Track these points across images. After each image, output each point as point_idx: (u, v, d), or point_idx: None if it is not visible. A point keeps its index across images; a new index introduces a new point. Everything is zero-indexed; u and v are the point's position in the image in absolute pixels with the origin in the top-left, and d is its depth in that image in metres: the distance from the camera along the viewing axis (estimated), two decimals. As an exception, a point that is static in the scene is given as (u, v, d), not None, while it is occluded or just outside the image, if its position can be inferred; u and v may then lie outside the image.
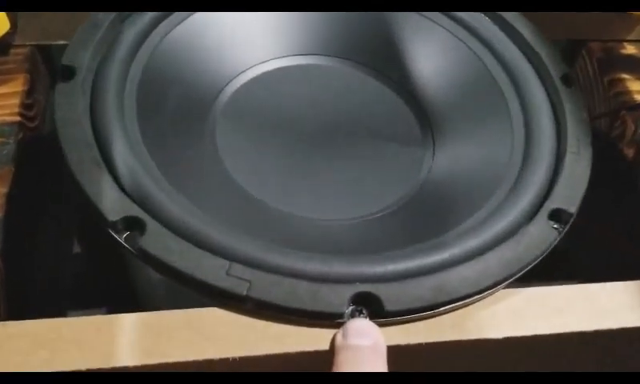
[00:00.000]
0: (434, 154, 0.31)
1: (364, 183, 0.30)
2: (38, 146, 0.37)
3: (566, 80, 0.31)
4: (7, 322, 0.22)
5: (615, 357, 0.25)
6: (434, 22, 0.34)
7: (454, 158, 0.31)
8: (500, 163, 0.29)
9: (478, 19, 0.33)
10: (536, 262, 0.24)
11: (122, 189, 0.24)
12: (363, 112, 0.33)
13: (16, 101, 0.36)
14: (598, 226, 0.37)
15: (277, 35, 0.34)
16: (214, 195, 0.27)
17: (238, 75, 0.33)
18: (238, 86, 0.33)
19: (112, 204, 0.24)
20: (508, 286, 0.24)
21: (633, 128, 0.40)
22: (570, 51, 0.46)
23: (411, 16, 0.34)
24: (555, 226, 0.25)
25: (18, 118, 0.35)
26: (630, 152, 0.40)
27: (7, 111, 0.35)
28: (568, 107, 0.29)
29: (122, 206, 0.23)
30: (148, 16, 0.31)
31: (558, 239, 0.25)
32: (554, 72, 0.31)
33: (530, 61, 0.32)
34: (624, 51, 0.44)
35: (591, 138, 0.29)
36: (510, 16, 0.33)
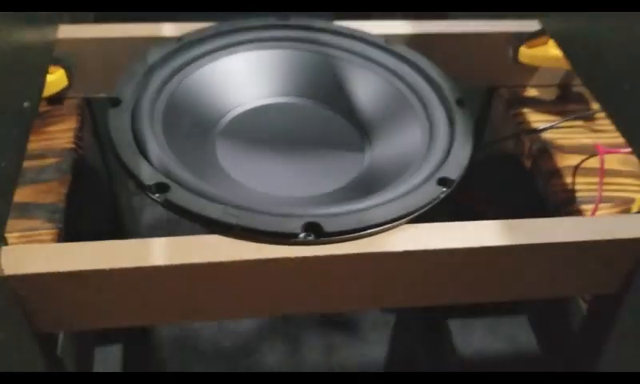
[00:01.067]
0: (370, 154, 0.45)
1: (321, 174, 0.43)
2: (85, 164, 0.50)
3: (460, 103, 0.44)
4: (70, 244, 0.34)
5: (479, 270, 0.37)
6: (367, 68, 0.48)
7: (382, 155, 0.44)
8: (412, 155, 0.42)
9: (398, 64, 0.47)
10: (426, 208, 0.37)
11: (153, 167, 0.37)
12: (321, 131, 0.47)
13: (71, 134, 0.50)
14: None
15: (259, 83, 0.49)
16: (210, 177, 0.40)
17: (231, 110, 0.47)
18: (231, 116, 0.47)
19: (147, 175, 0.36)
20: (409, 223, 0.36)
21: (529, 146, 0.53)
22: (488, 95, 0.60)
23: (353, 67, 0.48)
24: (442, 188, 0.38)
25: (73, 146, 0.49)
26: (528, 163, 0.53)
27: (65, 141, 0.49)
28: (459, 119, 0.43)
29: (153, 176, 0.36)
30: (170, 67, 0.45)
31: (443, 195, 0.38)
32: (451, 98, 0.44)
33: (434, 90, 0.45)
34: (525, 93, 0.58)
35: (472, 137, 0.42)
36: (422, 61, 0.47)
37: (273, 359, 1.26)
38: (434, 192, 0.38)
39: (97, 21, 0.53)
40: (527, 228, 0.36)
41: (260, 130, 0.46)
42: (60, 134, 0.49)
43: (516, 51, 0.54)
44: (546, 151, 0.51)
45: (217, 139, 0.45)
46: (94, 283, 0.33)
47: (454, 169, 0.39)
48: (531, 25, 0.52)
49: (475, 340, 0.80)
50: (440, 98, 0.45)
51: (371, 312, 1.40)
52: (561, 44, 0.45)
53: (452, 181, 0.38)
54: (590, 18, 0.41)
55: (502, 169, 0.59)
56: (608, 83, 0.39)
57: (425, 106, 0.45)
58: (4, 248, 0.32)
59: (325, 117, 0.48)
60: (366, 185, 0.41)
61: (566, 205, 0.47)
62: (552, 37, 0.47)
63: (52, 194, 0.44)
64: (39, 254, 0.33)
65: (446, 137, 0.42)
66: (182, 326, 1.30)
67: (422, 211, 0.37)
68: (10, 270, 0.32)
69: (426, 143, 0.42)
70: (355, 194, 0.39)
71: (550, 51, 0.52)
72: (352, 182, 0.43)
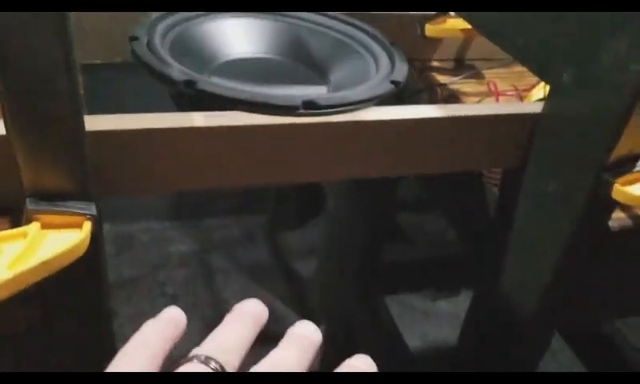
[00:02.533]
0: (331, 85, 0.59)
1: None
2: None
3: (393, 44, 0.60)
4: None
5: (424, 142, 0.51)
6: (320, 31, 0.63)
7: (341, 84, 0.58)
8: (365, 75, 0.56)
9: (341, 25, 0.63)
10: (388, 95, 0.51)
11: (179, 71, 0.49)
12: (292, 73, 0.60)
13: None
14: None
15: (242, 41, 0.62)
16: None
17: (219, 58, 0.60)
18: (221, 61, 0.59)
19: (177, 75, 0.48)
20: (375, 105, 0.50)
21: (440, 93, 0.69)
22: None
23: (313, 27, 0.63)
24: (392, 86, 0.52)
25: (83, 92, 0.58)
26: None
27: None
28: (395, 52, 0.58)
29: (182, 76, 0.48)
30: (172, 19, 0.57)
31: (396, 90, 0.52)
32: (386, 41, 0.60)
33: (372, 39, 0.61)
34: (431, 64, 0.75)
35: (406, 59, 0.57)
36: (358, 22, 0.63)
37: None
38: (389, 87, 0.52)
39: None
40: (456, 108, 0.51)
41: (245, 71, 0.59)
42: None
43: (422, 28, 0.71)
44: (455, 96, 0.68)
45: (211, 74, 0.57)
46: (155, 142, 0.43)
47: (400, 75, 0.54)
48: (433, 6, 0.70)
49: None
50: (377, 42, 0.60)
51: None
52: (465, 15, 0.63)
53: (400, 82, 0.53)
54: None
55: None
56: (495, 23, 0.56)
57: (367, 49, 0.60)
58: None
59: (293, 65, 0.62)
60: (344, 86, 0.55)
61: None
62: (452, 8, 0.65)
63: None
64: (109, 119, 0.43)
65: (387, 63, 0.57)
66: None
67: (382, 97, 0.51)
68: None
69: (373, 68, 0.57)
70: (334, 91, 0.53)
71: (448, 26, 0.70)
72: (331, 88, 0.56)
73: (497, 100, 0.65)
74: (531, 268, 0.56)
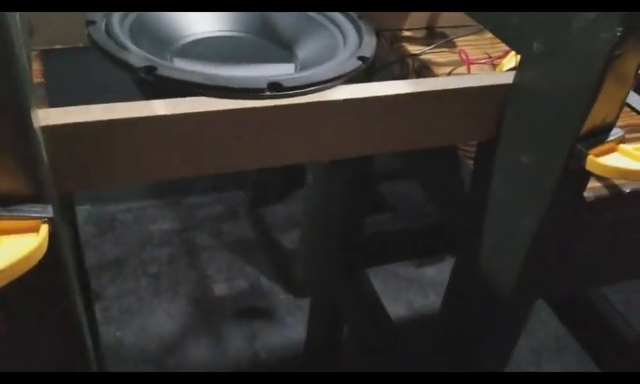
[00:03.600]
0: (299, 62, 0.57)
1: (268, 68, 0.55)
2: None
3: (360, 17, 0.58)
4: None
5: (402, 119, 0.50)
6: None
7: (309, 60, 0.56)
8: (333, 51, 0.54)
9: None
10: (354, 73, 0.50)
11: (138, 56, 0.47)
12: (258, 50, 0.58)
13: (39, 73, 0.57)
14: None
15: (204, 19, 0.60)
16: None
17: (182, 38, 0.58)
18: (183, 42, 0.57)
19: (136, 61, 0.46)
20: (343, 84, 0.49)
21: (412, 65, 0.68)
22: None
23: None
24: (362, 62, 0.51)
25: (43, 80, 0.56)
26: (413, 77, 0.68)
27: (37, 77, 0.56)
28: (362, 25, 0.56)
29: (141, 61, 0.46)
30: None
31: (364, 66, 0.51)
32: (354, 14, 0.58)
33: (342, 13, 0.59)
34: (402, 34, 0.74)
35: (374, 32, 0.55)
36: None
37: (198, 354, 1.31)
38: (356, 64, 0.51)
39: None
40: (426, 83, 0.50)
41: (209, 50, 0.57)
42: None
43: (393, -3, 0.69)
44: (426, 66, 0.67)
45: (174, 56, 0.55)
46: (115, 134, 0.42)
47: (368, 51, 0.53)
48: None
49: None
50: (345, 15, 0.59)
51: (284, 298, 1.50)
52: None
53: (368, 58, 0.52)
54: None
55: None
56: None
57: (334, 23, 0.58)
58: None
59: (259, 43, 0.60)
60: (313, 63, 0.53)
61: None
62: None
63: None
64: (68, 111, 0.41)
65: (355, 36, 0.56)
66: (104, 333, 1.31)
67: (350, 75, 0.50)
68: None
69: (341, 42, 0.55)
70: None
71: (419, -7, 0.68)
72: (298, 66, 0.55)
73: (468, 69, 0.63)
74: (508, 241, 0.55)
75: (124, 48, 0.48)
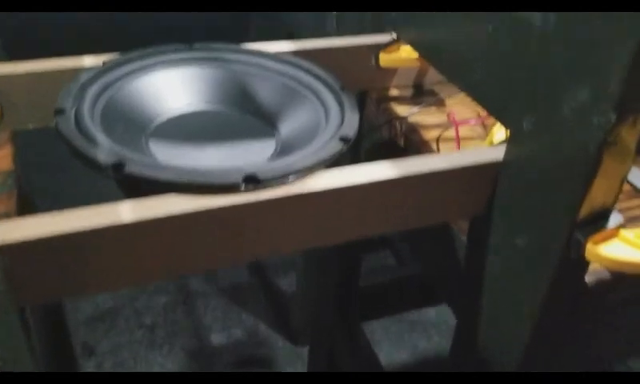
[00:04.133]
0: (279, 138, 0.55)
1: (244, 154, 0.52)
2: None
3: (343, 88, 0.56)
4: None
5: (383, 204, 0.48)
6: (265, 76, 0.58)
7: (290, 136, 0.54)
8: (314, 129, 0.52)
9: (289, 68, 0.58)
10: (335, 157, 0.47)
11: (106, 152, 0.44)
12: (236, 128, 0.56)
13: (9, 159, 0.55)
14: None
15: (179, 96, 0.57)
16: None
17: (156, 118, 0.55)
18: (158, 123, 0.55)
19: (103, 158, 0.43)
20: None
21: (400, 128, 0.66)
22: (361, 97, 0.73)
23: (253, 76, 0.58)
24: (343, 143, 0.48)
25: (13, 167, 0.54)
26: (402, 141, 0.65)
27: (6, 164, 0.54)
28: (345, 99, 0.54)
29: (109, 158, 0.43)
30: (100, 84, 0.52)
31: (345, 148, 0.48)
32: (336, 86, 0.56)
33: (321, 83, 0.57)
34: (389, 93, 0.71)
35: (356, 107, 0.53)
36: (306, 64, 0.59)
37: None
38: (338, 146, 0.48)
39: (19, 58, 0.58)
40: (408, 164, 0.47)
41: (185, 131, 0.54)
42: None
43: (377, 58, 0.67)
44: (414, 129, 0.64)
45: (149, 140, 0.53)
46: (78, 246, 0.39)
47: (350, 129, 0.50)
48: (385, 37, 0.66)
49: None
50: (327, 86, 0.56)
51: (283, 347, 1.46)
52: (412, 44, 0.59)
53: (350, 138, 0.49)
54: (432, 20, 0.54)
55: (381, 151, 0.71)
56: (449, 60, 0.53)
57: (316, 95, 0.56)
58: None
59: (237, 118, 0.57)
60: (283, 155, 0.51)
61: (435, 164, 0.60)
62: (405, 42, 0.61)
63: (3, 204, 0.49)
64: (22, 224, 0.38)
65: (337, 112, 0.53)
66: None
67: (331, 160, 0.47)
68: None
69: (323, 119, 0.53)
70: (277, 159, 0.49)
71: (403, 54, 0.66)
72: (270, 157, 0.52)
73: (456, 132, 0.61)
74: (507, 323, 0.52)
75: (92, 140, 0.46)
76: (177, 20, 1.27)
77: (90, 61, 0.58)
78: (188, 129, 0.55)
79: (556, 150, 0.43)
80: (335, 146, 0.48)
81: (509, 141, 0.48)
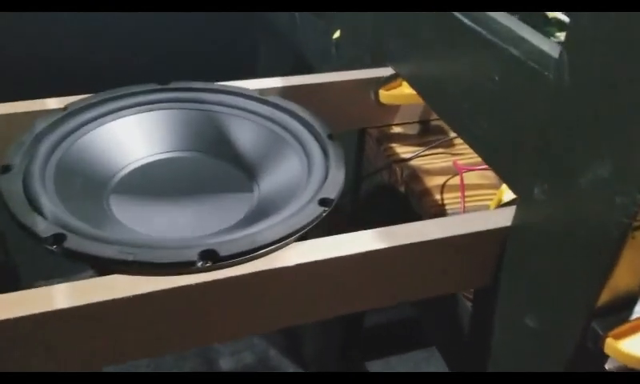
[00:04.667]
0: (258, 192, 0.48)
1: (214, 215, 0.46)
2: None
3: (330, 137, 0.49)
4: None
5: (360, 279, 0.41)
6: (246, 118, 0.52)
7: (269, 190, 0.48)
8: (295, 185, 0.46)
9: (273, 111, 0.52)
10: (311, 225, 0.41)
11: (48, 221, 0.39)
12: (211, 178, 0.50)
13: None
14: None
15: (148, 142, 0.51)
16: (106, 227, 0.42)
17: (121, 169, 0.49)
18: (123, 175, 0.49)
19: (43, 228, 0.38)
20: (298, 240, 0.40)
21: (400, 173, 0.59)
22: (360, 135, 0.66)
23: (233, 118, 0.52)
24: (323, 207, 0.42)
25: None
26: (402, 188, 0.58)
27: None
28: (331, 150, 0.48)
29: (49, 229, 0.38)
30: (58, 133, 0.47)
31: (325, 214, 0.42)
32: (323, 133, 0.49)
33: (307, 129, 0.50)
34: (391, 130, 0.65)
35: (343, 162, 0.46)
36: (293, 106, 0.52)
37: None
38: (316, 211, 0.42)
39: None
40: (396, 233, 0.41)
41: (152, 184, 0.49)
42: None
43: (377, 94, 0.60)
44: (416, 176, 0.57)
45: (110, 196, 0.47)
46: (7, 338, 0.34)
47: (332, 189, 0.44)
48: (385, 70, 0.59)
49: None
50: (313, 134, 0.50)
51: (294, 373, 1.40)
52: (412, 83, 0.52)
53: (331, 200, 0.43)
54: (433, 58, 0.48)
55: (381, 197, 0.64)
56: (452, 108, 0.46)
57: (301, 143, 0.49)
58: None
59: (213, 166, 0.51)
60: (257, 216, 0.45)
61: (437, 218, 0.53)
62: (404, 78, 0.54)
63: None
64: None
65: (322, 166, 0.47)
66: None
67: (307, 229, 0.41)
68: None
69: (305, 173, 0.47)
70: (248, 224, 0.43)
71: (405, 90, 0.59)
72: (244, 217, 0.46)
73: (461, 183, 0.54)
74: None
75: (36, 206, 0.40)
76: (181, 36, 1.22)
77: (53, 103, 0.52)
78: (156, 182, 0.49)
79: (571, 226, 0.36)
80: (313, 211, 0.42)
81: (517, 206, 0.41)
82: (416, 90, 0.53)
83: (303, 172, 0.47)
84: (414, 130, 0.65)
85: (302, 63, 0.90)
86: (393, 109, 0.63)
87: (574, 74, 0.35)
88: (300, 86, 0.59)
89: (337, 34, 0.71)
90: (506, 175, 0.42)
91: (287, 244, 0.39)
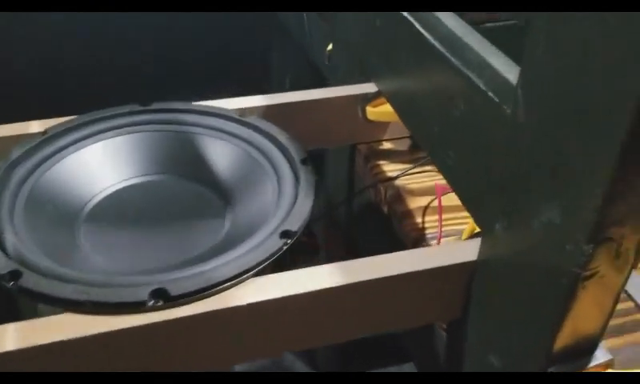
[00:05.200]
0: (230, 218, 0.48)
1: (181, 244, 0.46)
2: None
3: (304, 161, 0.48)
4: None
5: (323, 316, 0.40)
6: (224, 140, 0.52)
7: (240, 217, 0.47)
8: (265, 214, 0.45)
9: (251, 133, 0.52)
10: (270, 260, 0.40)
11: (8, 256, 0.39)
12: (184, 203, 0.50)
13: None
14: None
15: (123, 167, 0.51)
16: (70, 260, 0.42)
17: (95, 195, 0.50)
18: (96, 201, 0.49)
19: (2, 265, 0.38)
20: (257, 274, 0.39)
21: (384, 193, 0.58)
22: (351, 150, 0.65)
23: (211, 140, 0.52)
24: (285, 240, 0.41)
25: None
26: (385, 209, 0.57)
27: None
28: (303, 176, 0.47)
29: (7, 265, 0.38)
30: (33, 161, 0.47)
31: (285, 247, 0.41)
32: (297, 157, 0.49)
33: (282, 153, 0.50)
34: (381, 146, 0.63)
35: (313, 190, 0.45)
36: (271, 128, 0.52)
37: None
38: (276, 245, 0.41)
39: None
40: (357, 268, 0.40)
41: (124, 211, 0.49)
42: None
43: (364, 111, 0.59)
44: (399, 196, 0.56)
45: (82, 224, 0.47)
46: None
47: (296, 221, 0.43)
48: (371, 86, 0.58)
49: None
50: (288, 159, 0.49)
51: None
52: (391, 101, 0.51)
53: (294, 232, 0.42)
54: (407, 78, 0.46)
55: (369, 216, 0.63)
56: (424, 131, 0.45)
57: (275, 169, 0.49)
58: None
59: (188, 190, 0.51)
60: (222, 248, 0.44)
61: (417, 243, 0.52)
62: (384, 96, 0.53)
63: None
64: None
65: (291, 194, 0.46)
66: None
67: (265, 264, 0.40)
68: None
69: (275, 201, 0.46)
70: (210, 257, 0.42)
71: (391, 107, 0.58)
72: (208, 248, 0.45)
73: (439, 205, 0.52)
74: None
75: (0, 239, 0.41)
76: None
77: (35, 126, 0.53)
78: (128, 209, 0.49)
79: (526, 269, 0.35)
80: (273, 245, 0.41)
81: (482, 240, 0.40)
82: (394, 108, 0.52)
83: (274, 199, 0.46)
84: (404, 145, 0.63)
85: (312, 65, 0.89)
86: (382, 125, 0.61)
87: (528, 111, 0.33)
88: (287, 104, 0.58)
89: (330, 47, 0.70)
90: (469, 206, 0.41)
91: (243, 281, 0.39)
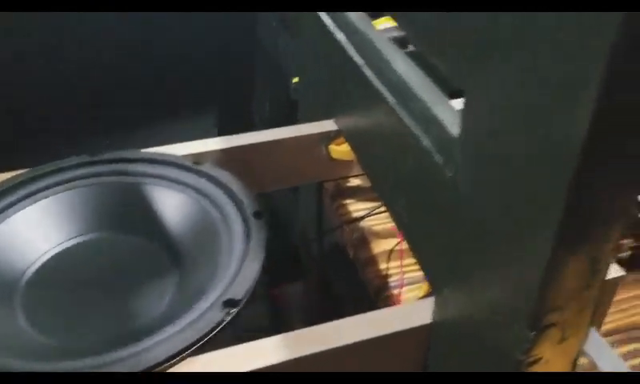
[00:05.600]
0: (178, 279, 0.46)
1: (121, 315, 0.43)
2: None
3: (257, 215, 0.46)
4: None
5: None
6: (175, 190, 0.49)
7: (189, 279, 0.45)
8: (213, 274, 0.42)
9: (204, 182, 0.49)
10: (211, 335, 0.38)
11: None
12: (130, 264, 0.47)
13: None
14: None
15: (65, 226, 0.49)
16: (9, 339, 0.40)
17: (36, 260, 0.47)
18: (36, 266, 0.46)
19: None
20: (195, 352, 0.37)
21: (350, 235, 0.55)
22: (319, 188, 0.63)
23: (161, 191, 0.50)
24: (229, 310, 0.39)
25: None
26: (351, 251, 0.55)
27: None
28: (254, 233, 0.44)
29: None
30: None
31: (230, 318, 0.39)
32: (249, 210, 0.46)
33: (236, 205, 0.47)
34: (349, 183, 0.61)
35: (263, 250, 0.43)
36: (225, 177, 0.49)
37: None
38: (218, 317, 0.38)
39: None
40: (301, 339, 0.37)
41: (67, 275, 0.46)
42: None
43: (327, 149, 0.57)
44: (364, 240, 0.54)
45: (20, 293, 0.45)
46: None
47: (240, 289, 0.40)
48: (333, 124, 0.56)
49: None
50: (240, 211, 0.47)
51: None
52: (348, 140, 0.48)
53: (238, 301, 0.40)
54: (362, 118, 0.44)
55: (337, 257, 0.61)
56: (380, 177, 0.42)
57: (227, 222, 0.46)
58: None
59: (134, 247, 0.49)
60: (165, 317, 0.42)
61: (380, 292, 0.49)
62: (343, 134, 0.51)
63: None
64: None
65: (240, 253, 0.43)
66: None
67: (205, 340, 0.38)
68: None
69: (224, 262, 0.43)
70: (147, 332, 0.39)
71: (354, 145, 0.55)
72: (152, 317, 0.43)
73: (400, 251, 0.50)
74: None
75: None
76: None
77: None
78: (71, 273, 0.47)
79: (475, 339, 0.32)
80: (213, 318, 0.38)
81: (435, 301, 0.38)
82: (352, 149, 0.50)
83: (222, 260, 0.44)
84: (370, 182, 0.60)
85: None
86: (347, 162, 0.59)
87: (465, 178, 0.30)
88: (247, 146, 0.56)
89: (296, 79, 0.67)
90: (420, 263, 0.39)
91: (178, 362, 0.36)
